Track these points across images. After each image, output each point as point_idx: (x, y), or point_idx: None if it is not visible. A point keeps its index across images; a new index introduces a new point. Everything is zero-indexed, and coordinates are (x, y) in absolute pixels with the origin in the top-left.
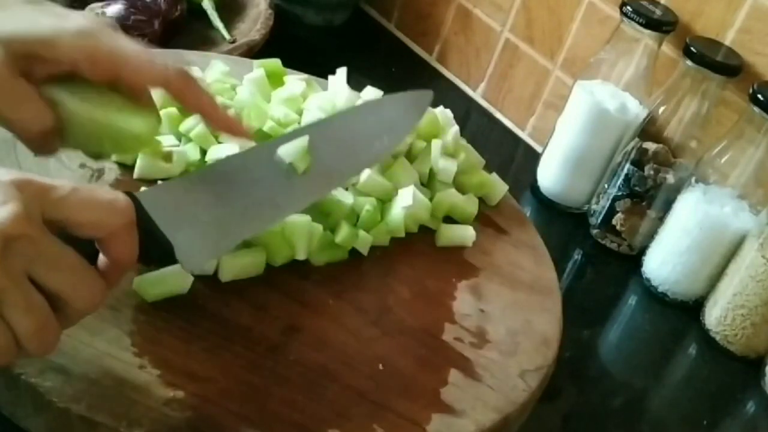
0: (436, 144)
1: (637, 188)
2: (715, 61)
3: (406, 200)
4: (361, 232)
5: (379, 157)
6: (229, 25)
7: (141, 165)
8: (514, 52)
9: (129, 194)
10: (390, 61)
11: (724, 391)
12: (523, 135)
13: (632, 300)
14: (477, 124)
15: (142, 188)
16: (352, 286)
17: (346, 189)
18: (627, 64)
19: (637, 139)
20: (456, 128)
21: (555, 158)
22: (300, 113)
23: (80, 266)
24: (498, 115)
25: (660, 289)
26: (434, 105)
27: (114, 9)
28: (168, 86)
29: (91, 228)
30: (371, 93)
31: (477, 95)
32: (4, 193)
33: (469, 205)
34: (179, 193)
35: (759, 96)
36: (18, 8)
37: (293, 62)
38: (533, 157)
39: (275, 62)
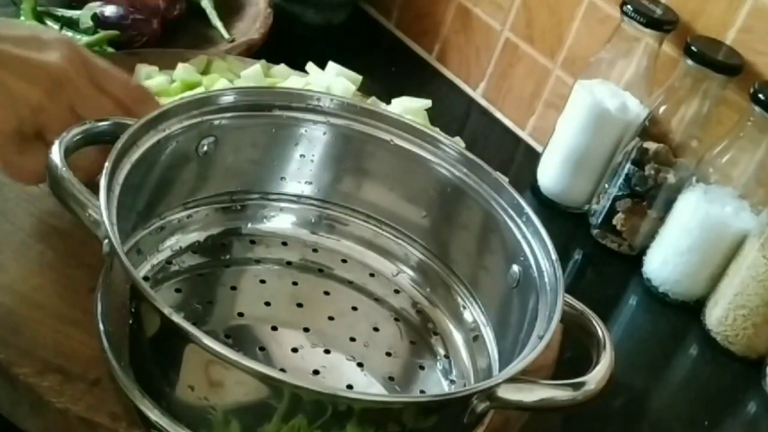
0: None
1: (637, 188)
2: (715, 60)
3: None
4: None
5: None
6: (228, 24)
7: None
8: (514, 51)
9: None
10: (390, 60)
11: (725, 392)
12: (523, 135)
13: (633, 300)
14: (477, 124)
15: None
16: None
17: None
18: (627, 64)
19: (637, 139)
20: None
21: (555, 158)
22: None
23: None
24: (498, 115)
25: (661, 290)
26: (434, 104)
27: (112, 8)
28: None
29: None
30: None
31: (477, 95)
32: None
33: None
34: None
35: (760, 95)
36: None
37: (292, 61)
38: (533, 157)
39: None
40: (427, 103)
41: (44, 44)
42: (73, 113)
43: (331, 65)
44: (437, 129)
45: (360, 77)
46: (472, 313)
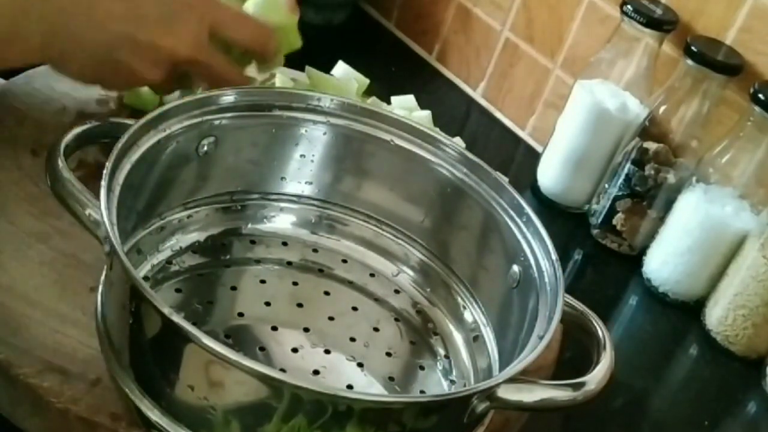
0: None
1: (637, 188)
2: (715, 60)
3: None
4: None
5: None
6: None
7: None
8: (514, 51)
9: None
10: (390, 60)
11: (725, 392)
12: (523, 135)
13: (633, 300)
14: (477, 124)
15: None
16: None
17: None
18: (627, 64)
19: (637, 139)
20: None
21: (555, 158)
22: None
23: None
24: (498, 115)
25: (661, 290)
26: (434, 105)
27: None
28: None
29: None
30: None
31: (477, 95)
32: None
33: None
34: None
35: (760, 95)
36: None
37: (291, 61)
38: (533, 157)
39: None
40: (427, 114)
41: (177, 22)
42: None
43: (341, 65)
44: (437, 129)
45: (367, 80)
46: (472, 313)
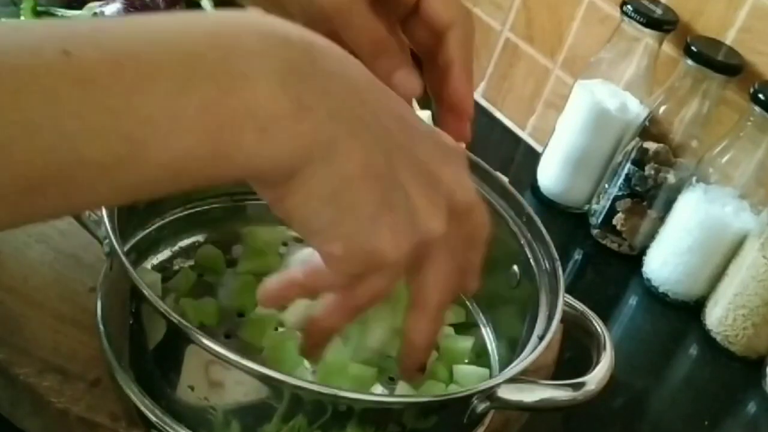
0: None
1: (637, 188)
2: (715, 60)
3: None
4: None
5: None
6: None
7: None
8: (514, 51)
9: None
10: None
11: (725, 392)
12: (523, 135)
13: (633, 300)
14: (477, 124)
15: None
16: None
17: None
18: (627, 64)
19: (637, 139)
20: None
21: (555, 158)
22: None
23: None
24: (498, 115)
25: (661, 290)
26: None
27: (112, 8)
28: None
29: None
30: None
31: (477, 95)
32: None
33: None
34: None
35: (760, 95)
36: None
37: None
38: (533, 157)
39: None
40: (427, 114)
41: (451, 155)
42: None
43: None
44: (437, 129)
45: None
46: (472, 313)
